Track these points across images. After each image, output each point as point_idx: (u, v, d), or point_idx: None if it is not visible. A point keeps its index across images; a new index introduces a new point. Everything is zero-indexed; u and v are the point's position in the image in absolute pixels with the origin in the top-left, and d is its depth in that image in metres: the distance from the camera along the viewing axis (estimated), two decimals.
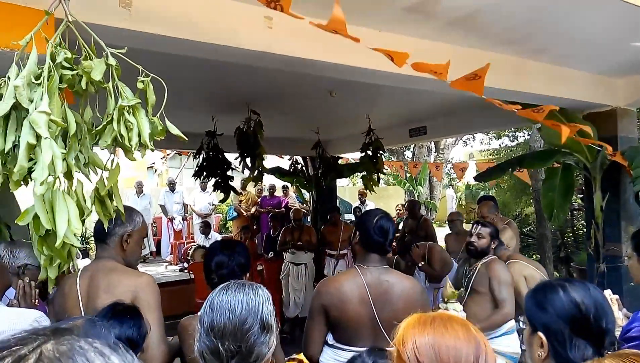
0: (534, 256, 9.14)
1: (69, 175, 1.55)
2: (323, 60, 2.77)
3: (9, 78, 1.52)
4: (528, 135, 10.97)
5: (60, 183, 1.51)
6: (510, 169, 5.09)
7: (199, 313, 1.45)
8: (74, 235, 1.50)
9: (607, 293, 1.92)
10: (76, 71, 1.59)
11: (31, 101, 1.49)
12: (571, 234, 9.56)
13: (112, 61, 1.64)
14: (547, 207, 4.66)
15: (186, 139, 1.66)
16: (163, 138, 1.68)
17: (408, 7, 2.67)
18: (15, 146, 1.50)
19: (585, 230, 5.75)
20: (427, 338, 1.09)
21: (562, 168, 4.67)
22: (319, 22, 2.03)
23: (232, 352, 1.33)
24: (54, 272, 1.61)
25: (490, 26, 3.06)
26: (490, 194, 10.73)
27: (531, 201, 10.27)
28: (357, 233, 2.48)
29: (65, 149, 1.55)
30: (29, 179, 1.53)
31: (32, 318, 1.74)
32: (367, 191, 6.65)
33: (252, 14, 2.46)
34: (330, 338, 2.42)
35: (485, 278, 3.32)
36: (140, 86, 1.65)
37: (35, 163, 1.45)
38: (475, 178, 6.30)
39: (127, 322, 1.74)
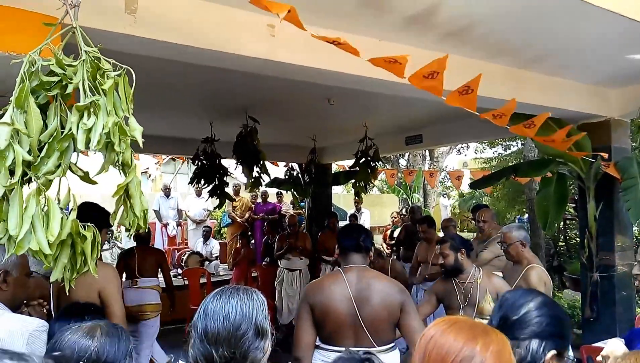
0: None
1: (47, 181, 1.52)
2: (324, 68, 2.80)
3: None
4: (522, 144, 11.06)
5: (39, 189, 1.49)
6: (505, 178, 5.14)
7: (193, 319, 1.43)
8: (48, 241, 1.47)
9: None
10: (59, 78, 1.55)
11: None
12: (564, 243, 9.62)
13: (75, 62, 1.56)
14: (542, 216, 4.69)
15: (141, 146, 1.57)
16: (128, 138, 1.58)
17: (408, 17, 2.71)
18: None
19: (578, 239, 5.80)
20: (428, 334, 1.13)
21: (557, 178, 4.71)
22: (320, 30, 2.06)
23: (227, 358, 1.32)
24: (56, 275, 1.59)
25: (487, 37, 3.10)
26: (484, 202, 10.79)
27: (524, 209, 10.34)
28: (337, 246, 2.77)
29: (54, 154, 1.52)
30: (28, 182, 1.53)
31: (33, 327, 1.70)
32: (358, 198, 6.67)
33: (255, 21, 2.49)
34: (316, 340, 2.49)
35: (489, 294, 3.11)
36: (109, 83, 1.56)
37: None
38: (471, 186, 6.34)
39: None
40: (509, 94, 3.70)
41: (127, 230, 1.64)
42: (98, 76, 1.58)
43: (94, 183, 1.63)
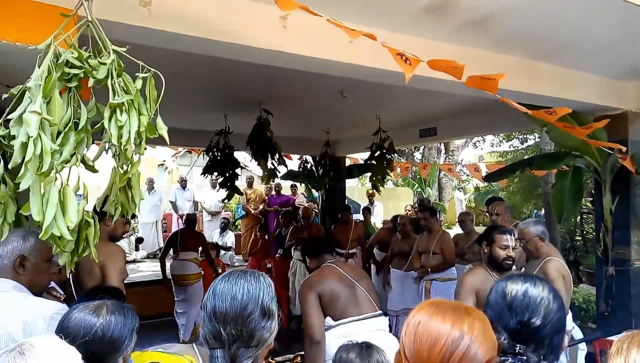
0: None
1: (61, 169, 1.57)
2: (336, 60, 2.81)
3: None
4: (538, 137, 10.93)
5: (55, 177, 1.54)
6: (520, 171, 5.10)
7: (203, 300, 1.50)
8: (68, 227, 1.52)
9: None
10: (82, 70, 1.60)
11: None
12: (580, 237, 9.51)
13: (106, 60, 1.62)
14: (557, 210, 4.65)
15: (168, 143, 1.67)
16: (154, 136, 1.67)
17: (425, 8, 2.70)
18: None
19: (594, 233, 5.74)
20: (415, 319, 1.17)
21: (572, 171, 4.66)
22: (335, 20, 2.06)
23: (234, 336, 1.37)
24: (64, 259, 1.64)
25: (503, 29, 3.08)
26: (499, 196, 10.71)
27: (541, 204, 10.23)
28: (307, 257, 3.32)
29: (68, 144, 1.57)
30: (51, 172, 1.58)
31: (54, 310, 1.77)
32: (376, 191, 6.66)
33: (268, 13, 2.50)
34: (328, 321, 2.93)
35: None
36: (139, 84, 1.65)
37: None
38: (485, 178, 6.29)
39: None
40: (525, 86, 3.68)
41: (111, 216, 1.75)
42: (124, 75, 1.65)
43: (95, 171, 1.70)
